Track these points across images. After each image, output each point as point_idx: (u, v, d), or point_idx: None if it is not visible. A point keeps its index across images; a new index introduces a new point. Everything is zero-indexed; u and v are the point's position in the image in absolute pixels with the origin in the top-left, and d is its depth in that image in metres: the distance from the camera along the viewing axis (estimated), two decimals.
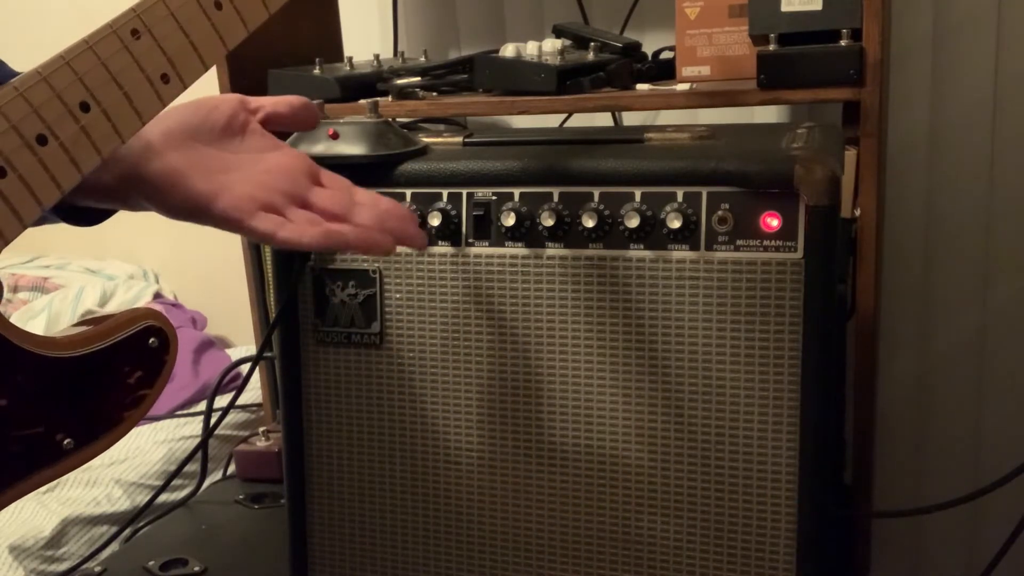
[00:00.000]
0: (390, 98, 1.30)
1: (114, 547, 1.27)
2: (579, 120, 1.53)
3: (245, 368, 1.45)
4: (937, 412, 1.56)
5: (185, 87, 0.72)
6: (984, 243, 1.49)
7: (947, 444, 1.56)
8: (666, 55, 1.37)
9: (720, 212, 0.83)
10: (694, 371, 0.86)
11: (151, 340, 0.72)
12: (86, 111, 0.67)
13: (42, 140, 0.65)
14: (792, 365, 0.83)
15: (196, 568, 1.13)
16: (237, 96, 0.81)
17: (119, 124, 0.68)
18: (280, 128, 0.83)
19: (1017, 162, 1.46)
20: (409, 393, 0.94)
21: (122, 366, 0.71)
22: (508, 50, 1.26)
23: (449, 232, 0.90)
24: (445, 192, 0.91)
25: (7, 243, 0.66)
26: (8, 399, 0.67)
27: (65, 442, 0.69)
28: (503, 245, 0.89)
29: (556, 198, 0.87)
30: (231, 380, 1.51)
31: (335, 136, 0.91)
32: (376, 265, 0.93)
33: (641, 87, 1.23)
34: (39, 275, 2.15)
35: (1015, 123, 1.45)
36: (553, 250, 0.88)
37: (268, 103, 0.82)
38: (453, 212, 0.90)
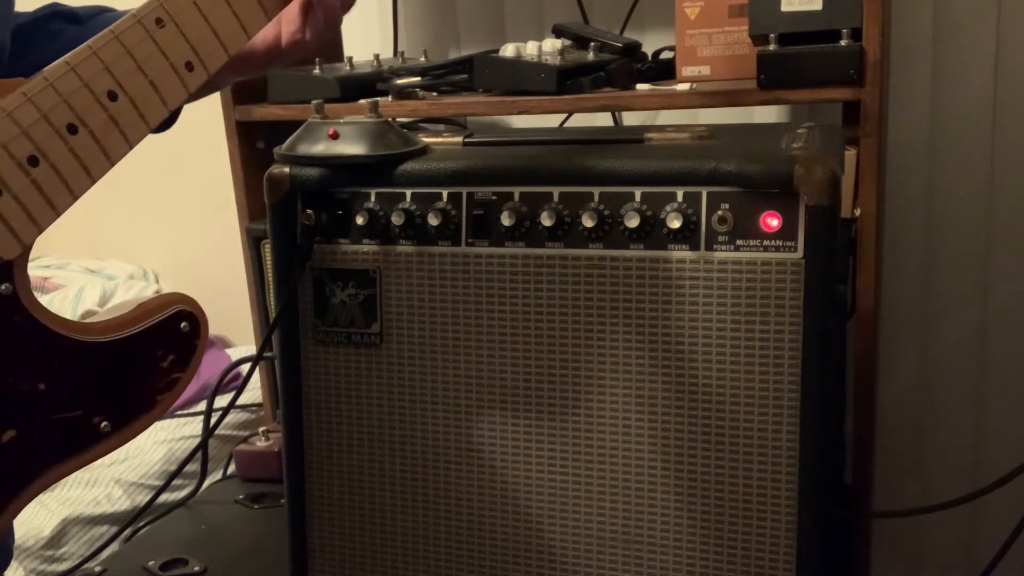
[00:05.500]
0: (390, 98, 1.30)
1: (114, 547, 1.28)
2: (579, 120, 1.53)
3: (245, 368, 1.45)
4: (937, 412, 1.56)
5: (209, 74, 0.74)
6: (984, 243, 1.49)
7: (947, 444, 1.56)
8: (666, 55, 1.37)
9: (720, 212, 0.83)
10: (694, 371, 0.85)
11: (182, 324, 0.74)
12: (114, 99, 0.68)
13: (72, 129, 0.67)
14: (792, 365, 0.83)
15: (196, 568, 1.13)
16: None
17: (145, 111, 0.70)
18: None
19: (1017, 162, 1.46)
20: (409, 393, 0.94)
21: (155, 350, 0.73)
22: (508, 50, 1.26)
23: (449, 232, 0.90)
24: (445, 192, 0.91)
25: (41, 231, 0.67)
26: (47, 383, 0.69)
27: (102, 425, 0.71)
28: (503, 245, 0.89)
29: (556, 198, 0.87)
30: (231, 380, 1.51)
31: (335, 136, 0.91)
32: (376, 265, 0.93)
33: (641, 87, 1.23)
34: (39, 275, 2.15)
35: (1015, 123, 1.45)
36: (553, 250, 0.88)
37: None
38: (453, 212, 0.90)
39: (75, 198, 0.68)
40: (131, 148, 0.70)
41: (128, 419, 0.72)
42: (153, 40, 0.70)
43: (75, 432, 0.70)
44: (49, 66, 0.67)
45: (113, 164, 0.69)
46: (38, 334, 0.68)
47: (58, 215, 0.67)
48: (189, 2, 0.72)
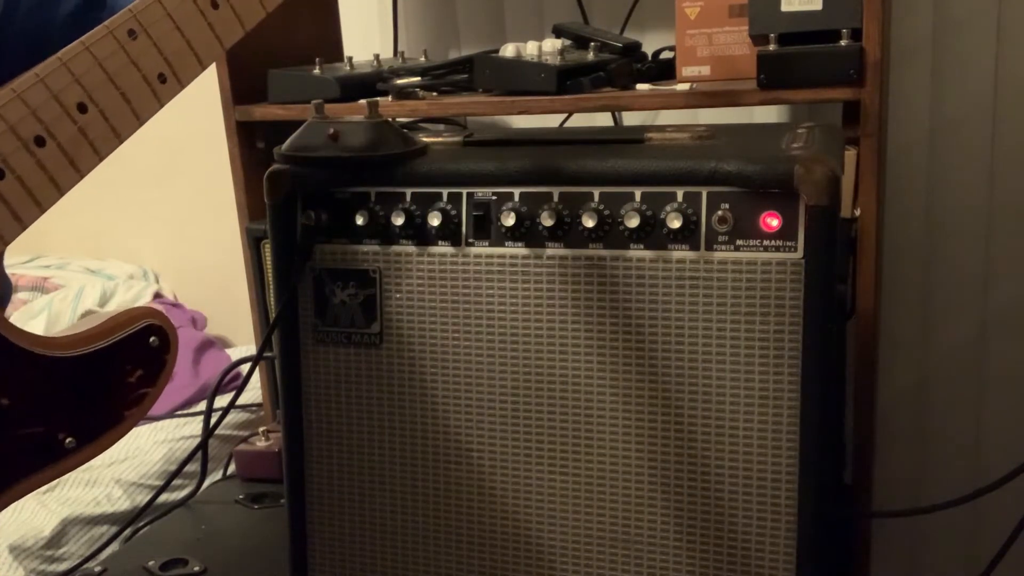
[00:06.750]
0: (390, 98, 1.30)
1: (114, 547, 1.27)
2: (579, 120, 1.53)
3: (245, 368, 1.45)
4: (937, 412, 1.56)
5: (183, 86, 0.72)
6: (984, 243, 1.49)
7: (947, 444, 1.56)
8: (666, 55, 1.37)
9: (720, 212, 0.83)
10: (694, 371, 0.85)
11: (151, 339, 0.73)
12: (84, 112, 0.67)
13: (40, 141, 0.65)
14: (792, 365, 0.83)
15: (196, 568, 1.13)
16: None
17: (117, 124, 0.68)
18: None
19: (1017, 162, 1.46)
20: (409, 393, 0.94)
21: (123, 365, 0.72)
22: (508, 50, 1.26)
23: (449, 232, 0.90)
24: (445, 192, 0.91)
25: (6, 244, 0.66)
26: (9, 399, 0.67)
27: (67, 441, 0.70)
28: (503, 245, 0.89)
29: (556, 198, 0.87)
30: (231, 380, 1.51)
31: (335, 136, 0.91)
32: (376, 265, 0.93)
33: (641, 87, 1.23)
34: (39, 275, 2.15)
35: (1015, 123, 1.45)
36: (553, 250, 0.88)
37: None
38: (453, 212, 0.90)
39: (43, 211, 0.67)
40: (101, 160, 0.69)
41: (94, 435, 0.71)
42: (125, 52, 0.69)
43: (39, 448, 0.69)
44: (17, 78, 0.66)
45: (83, 176, 0.68)
46: (1, 349, 0.67)
47: (24, 228, 0.66)
48: (163, 14, 0.70)
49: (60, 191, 0.67)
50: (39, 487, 0.71)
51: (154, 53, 0.70)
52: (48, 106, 0.66)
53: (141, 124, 0.70)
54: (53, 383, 0.69)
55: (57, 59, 0.67)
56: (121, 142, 0.69)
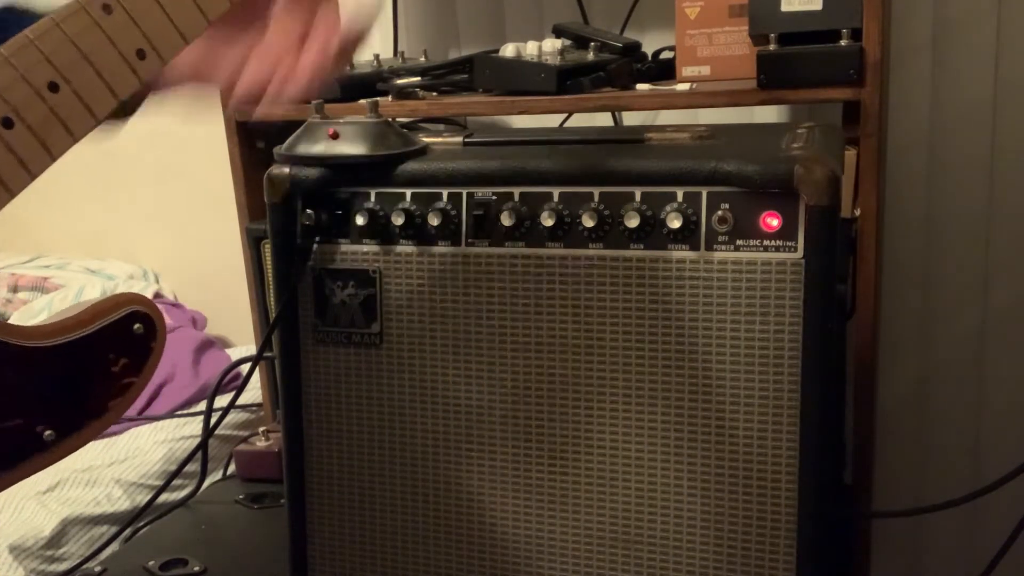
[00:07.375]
0: (390, 98, 1.30)
1: (114, 547, 1.28)
2: (579, 120, 1.53)
3: (245, 368, 1.45)
4: (937, 412, 1.56)
5: (164, 62, 0.68)
6: (984, 243, 1.49)
7: (947, 444, 1.56)
8: (666, 55, 1.37)
9: (720, 212, 0.83)
10: (694, 371, 0.85)
11: (136, 326, 0.70)
12: (55, 91, 0.63)
13: (7, 123, 0.62)
14: (792, 365, 0.83)
15: (196, 568, 1.14)
16: None
17: (91, 103, 0.65)
18: None
19: (1017, 162, 1.46)
20: (409, 393, 0.94)
21: (105, 354, 0.69)
22: (508, 50, 1.26)
23: (449, 232, 0.90)
24: (445, 192, 0.91)
25: None
26: None
27: (46, 434, 0.68)
28: (503, 245, 0.89)
29: (556, 198, 0.87)
30: (231, 380, 1.51)
31: (335, 136, 0.91)
32: (376, 265, 0.93)
33: (641, 87, 1.23)
34: (39, 275, 2.15)
35: (1015, 123, 1.45)
36: (553, 250, 0.88)
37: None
38: (453, 212, 0.90)
39: (13, 195, 0.63)
40: (76, 141, 0.65)
41: (75, 427, 0.68)
42: (100, 28, 0.64)
43: (16, 442, 0.67)
44: None
45: (55, 159, 0.64)
46: None
47: None
48: None
49: (31, 174, 0.64)
50: (18, 482, 0.68)
51: (132, 28, 0.66)
52: (15, 86, 0.62)
53: (119, 102, 0.67)
54: (30, 374, 0.67)
55: (25, 36, 0.63)
56: (98, 122, 0.66)
